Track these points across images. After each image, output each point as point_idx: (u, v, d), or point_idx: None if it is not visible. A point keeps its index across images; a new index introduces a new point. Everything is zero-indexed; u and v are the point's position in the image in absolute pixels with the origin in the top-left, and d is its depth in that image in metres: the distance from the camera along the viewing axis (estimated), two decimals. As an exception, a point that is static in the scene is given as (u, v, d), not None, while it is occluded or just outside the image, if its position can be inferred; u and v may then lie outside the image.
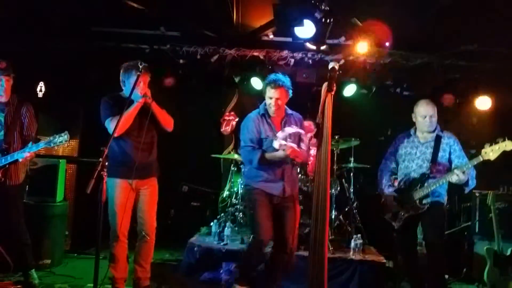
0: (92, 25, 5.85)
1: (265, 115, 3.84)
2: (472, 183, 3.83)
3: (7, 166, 3.83)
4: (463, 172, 3.64)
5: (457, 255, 5.12)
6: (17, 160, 3.80)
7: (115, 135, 3.29)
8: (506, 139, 3.48)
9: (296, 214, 3.83)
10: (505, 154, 5.42)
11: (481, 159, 3.56)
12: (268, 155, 3.69)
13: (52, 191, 4.83)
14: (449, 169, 3.86)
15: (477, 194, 5.05)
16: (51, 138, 3.68)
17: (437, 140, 3.94)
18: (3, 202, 3.91)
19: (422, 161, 3.97)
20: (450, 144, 3.93)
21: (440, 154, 3.92)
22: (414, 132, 4.12)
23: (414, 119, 4.08)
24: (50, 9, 5.31)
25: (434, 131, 3.99)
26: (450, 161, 3.93)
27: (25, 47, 5.56)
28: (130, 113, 3.54)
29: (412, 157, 4.04)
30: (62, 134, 3.67)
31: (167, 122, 3.79)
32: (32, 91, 6.07)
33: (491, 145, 3.51)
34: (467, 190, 3.89)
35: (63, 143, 3.70)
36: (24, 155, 3.74)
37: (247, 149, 3.80)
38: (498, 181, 5.03)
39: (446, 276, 4.85)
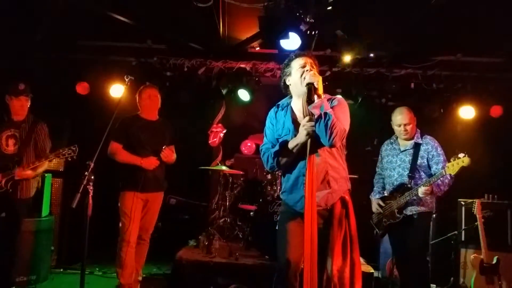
0: (78, 38, 5.84)
1: None
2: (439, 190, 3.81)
3: (15, 178, 3.93)
4: (426, 187, 3.70)
5: (444, 264, 5.14)
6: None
7: None
8: (466, 155, 3.51)
9: None
10: (489, 162, 5.57)
11: (444, 173, 3.63)
12: None
13: (38, 206, 4.76)
14: (430, 175, 3.87)
15: (462, 203, 5.09)
16: (60, 150, 3.89)
17: (416, 147, 3.97)
18: (8, 214, 3.98)
19: (402, 170, 4.00)
20: (428, 150, 3.94)
21: (419, 161, 3.93)
22: (396, 139, 4.17)
23: (392, 126, 4.14)
24: (36, 22, 5.30)
25: (412, 138, 4.02)
26: (430, 167, 3.94)
27: (10, 60, 5.52)
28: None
29: (393, 166, 4.09)
30: (72, 147, 3.87)
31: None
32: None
33: (454, 159, 3.54)
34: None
35: (71, 155, 3.87)
36: None
37: None
38: (483, 189, 5.08)
39: (434, 286, 4.88)
